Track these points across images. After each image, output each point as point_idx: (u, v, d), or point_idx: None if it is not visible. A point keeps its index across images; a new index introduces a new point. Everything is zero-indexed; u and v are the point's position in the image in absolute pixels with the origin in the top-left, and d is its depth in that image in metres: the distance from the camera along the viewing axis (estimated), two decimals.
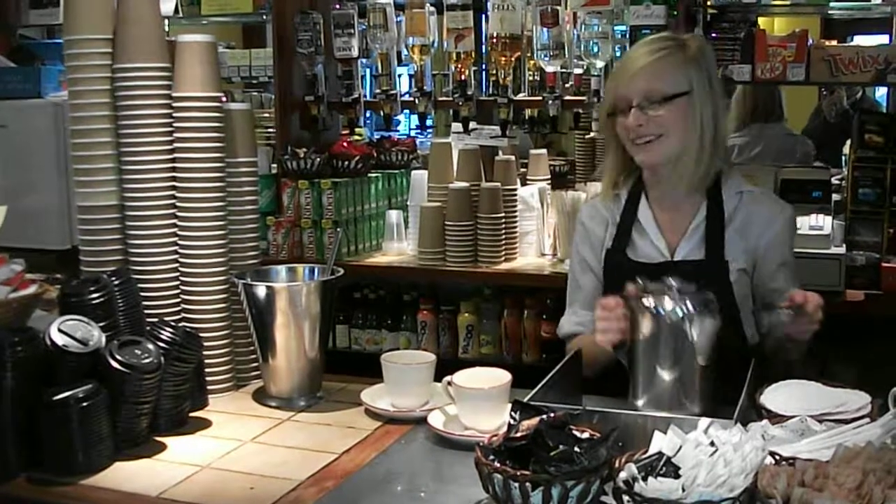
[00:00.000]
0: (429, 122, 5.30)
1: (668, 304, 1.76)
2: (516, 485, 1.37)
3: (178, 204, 2.08)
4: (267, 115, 4.55)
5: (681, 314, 1.75)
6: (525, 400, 1.60)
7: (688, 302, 1.75)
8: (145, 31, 2.04)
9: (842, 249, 2.99)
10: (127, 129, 2.05)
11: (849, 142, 3.78)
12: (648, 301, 1.78)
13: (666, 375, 1.78)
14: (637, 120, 2.02)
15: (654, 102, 2.00)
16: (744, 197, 2.10)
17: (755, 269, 2.08)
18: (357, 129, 4.03)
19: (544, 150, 3.78)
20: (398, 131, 6.23)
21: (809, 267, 2.92)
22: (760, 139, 4.38)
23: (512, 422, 1.50)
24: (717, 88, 2.07)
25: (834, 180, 3.46)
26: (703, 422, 1.51)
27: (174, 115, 2.06)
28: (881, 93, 5.94)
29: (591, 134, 4.34)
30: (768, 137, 4.39)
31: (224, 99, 2.18)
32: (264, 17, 4.10)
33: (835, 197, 3.30)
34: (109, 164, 2.07)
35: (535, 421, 1.47)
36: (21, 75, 3.36)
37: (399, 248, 3.44)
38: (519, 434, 1.46)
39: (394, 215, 3.47)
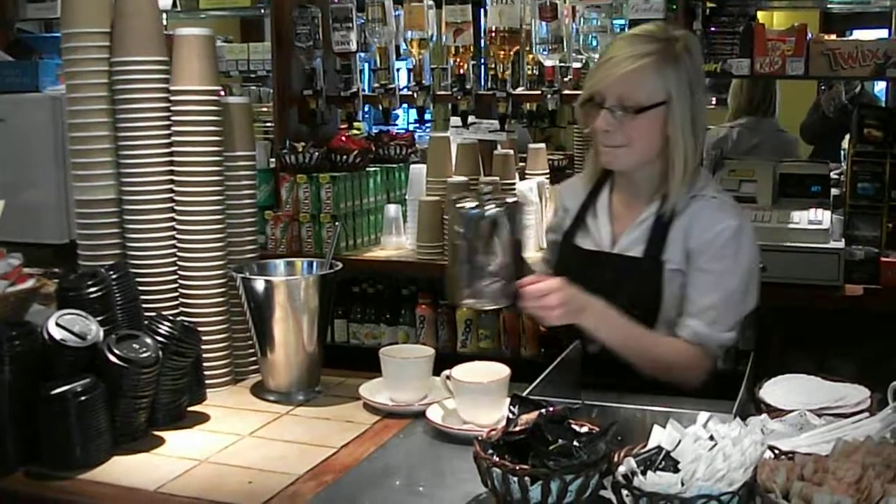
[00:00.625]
0: (427, 117, 5.27)
1: (468, 205, 1.91)
2: (515, 479, 1.37)
3: (176, 198, 2.07)
4: (265, 109, 4.55)
5: (481, 213, 1.89)
6: (524, 394, 1.60)
7: (486, 204, 1.90)
8: (143, 24, 2.03)
9: (841, 244, 3.00)
10: (125, 122, 2.04)
11: (848, 136, 3.78)
12: (458, 205, 1.93)
13: (470, 268, 1.90)
14: (606, 124, 2.00)
15: (626, 109, 1.98)
16: (695, 200, 2.05)
17: None
18: (355, 124, 4.02)
19: (543, 145, 3.78)
20: (396, 125, 6.22)
21: (808, 261, 2.93)
22: (754, 132, 4.40)
23: (511, 416, 1.50)
24: (698, 92, 2.02)
25: (833, 175, 3.46)
26: (703, 416, 1.50)
27: (172, 108, 2.05)
28: (880, 87, 5.93)
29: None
30: (762, 131, 4.41)
31: (222, 93, 2.17)
32: (262, 10, 4.10)
33: (834, 191, 3.30)
34: (107, 158, 2.06)
35: (533, 415, 1.47)
36: (19, 69, 3.35)
37: (398, 243, 3.44)
38: (518, 428, 1.46)
39: (392, 209, 3.46)
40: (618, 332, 1.96)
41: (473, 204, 1.91)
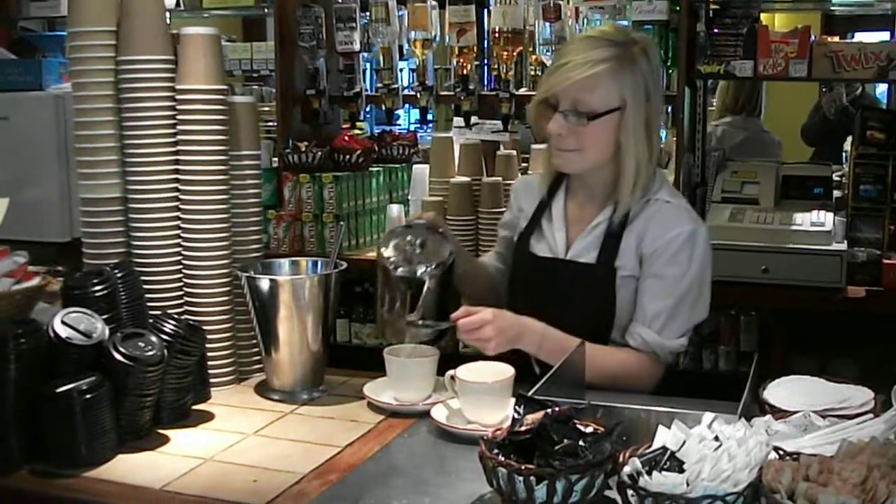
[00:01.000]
0: (430, 117, 5.30)
1: (394, 259, 1.99)
2: (521, 478, 1.37)
3: (182, 197, 2.07)
4: (268, 108, 4.55)
5: (408, 275, 1.97)
6: (529, 394, 1.60)
7: (415, 264, 1.98)
8: (149, 23, 2.04)
9: (843, 246, 3.00)
10: (130, 121, 2.04)
11: (850, 138, 3.79)
12: (388, 263, 2.00)
13: (398, 315, 1.99)
14: (559, 128, 1.98)
15: (580, 115, 1.96)
16: (649, 205, 2.03)
17: None
18: (358, 123, 4.03)
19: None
20: (399, 125, 6.22)
21: (810, 263, 2.93)
22: (739, 131, 4.41)
23: (516, 416, 1.50)
24: (653, 97, 2.00)
25: (835, 177, 3.47)
26: (707, 416, 1.50)
27: (178, 107, 2.06)
28: (881, 89, 5.94)
29: None
30: (747, 130, 4.43)
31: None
32: (265, 10, 4.10)
33: (836, 193, 3.31)
34: (112, 157, 2.07)
35: (539, 415, 1.47)
36: (22, 67, 3.36)
37: None
38: (523, 428, 1.46)
39: (395, 209, 3.46)
40: (559, 352, 1.91)
41: (398, 259, 1.98)
